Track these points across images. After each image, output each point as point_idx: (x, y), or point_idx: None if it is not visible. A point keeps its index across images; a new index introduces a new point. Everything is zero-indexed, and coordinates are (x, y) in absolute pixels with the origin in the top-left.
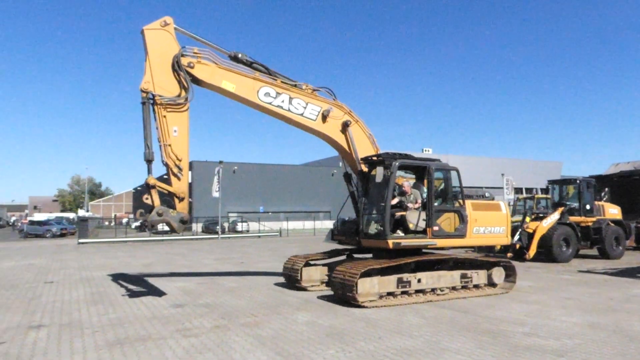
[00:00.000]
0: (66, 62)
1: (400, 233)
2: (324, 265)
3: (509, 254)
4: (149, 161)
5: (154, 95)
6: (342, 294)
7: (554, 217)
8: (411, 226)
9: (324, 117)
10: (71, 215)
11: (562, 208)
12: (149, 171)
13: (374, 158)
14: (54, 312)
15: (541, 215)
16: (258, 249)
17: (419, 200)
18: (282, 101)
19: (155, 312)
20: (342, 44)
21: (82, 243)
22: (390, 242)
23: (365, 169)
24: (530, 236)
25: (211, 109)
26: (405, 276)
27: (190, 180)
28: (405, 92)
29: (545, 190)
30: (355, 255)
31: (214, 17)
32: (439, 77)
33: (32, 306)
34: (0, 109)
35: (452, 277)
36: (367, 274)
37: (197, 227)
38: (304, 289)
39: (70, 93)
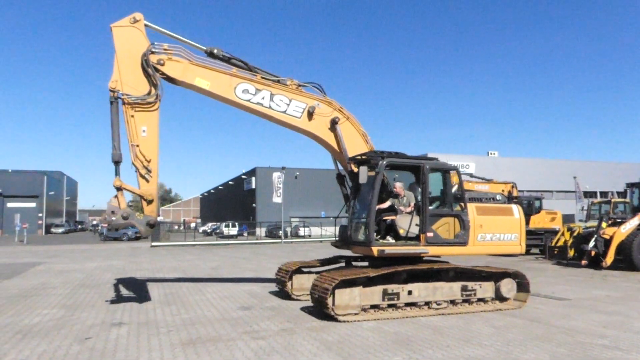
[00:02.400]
0: None
1: (390, 239)
2: (318, 272)
3: (584, 262)
4: (116, 162)
5: (122, 94)
6: (319, 306)
7: (634, 222)
8: (401, 232)
9: (310, 114)
10: None
11: None
12: (116, 173)
13: (360, 157)
14: (132, 311)
15: (619, 220)
16: (320, 253)
17: (413, 204)
18: (263, 98)
19: (225, 314)
20: (409, 41)
21: (155, 246)
22: (375, 250)
23: (355, 169)
24: (607, 242)
25: None
26: (392, 287)
27: (254, 186)
28: (471, 94)
29: (622, 194)
30: (354, 263)
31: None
32: (507, 76)
33: (113, 305)
34: (81, 123)
35: (451, 289)
36: (349, 284)
37: (260, 231)
38: (293, 298)
39: None
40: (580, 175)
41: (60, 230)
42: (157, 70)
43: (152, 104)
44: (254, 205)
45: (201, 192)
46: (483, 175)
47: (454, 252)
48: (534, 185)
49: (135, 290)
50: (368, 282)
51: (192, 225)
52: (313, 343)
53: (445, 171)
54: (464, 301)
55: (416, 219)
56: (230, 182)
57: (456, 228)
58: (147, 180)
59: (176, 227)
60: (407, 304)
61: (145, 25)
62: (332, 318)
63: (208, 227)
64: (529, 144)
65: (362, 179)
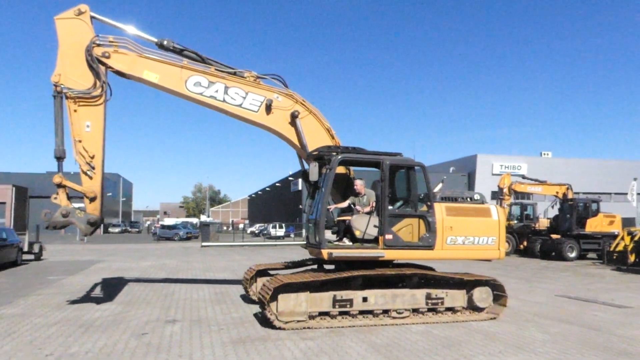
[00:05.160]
0: None
1: (347, 241)
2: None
3: None
4: (58, 158)
5: (65, 88)
6: (263, 312)
7: None
8: (357, 233)
9: (268, 108)
10: (194, 220)
11: None
12: (59, 169)
13: (314, 153)
14: (185, 309)
15: None
16: None
17: (373, 203)
18: (216, 91)
19: None
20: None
21: (205, 246)
22: (325, 253)
23: None
24: None
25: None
26: (342, 294)
27: (300, 188)
28: (523, 92)
29: None
30: (326, 267)
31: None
32: (560, 72)
33: (167, 302)
34: (135, 128)
35: (414, 297)
36: (294, 289)
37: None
38: (255, 302)
39: (192, 114)
40: None
41: (117, 230)
42: (102, 63)
43: (96, 98)
44: (300, 206)
45: (249, 194)
46: (536, 177)
47: (417, 256)
48: (590, 187)
49: (186, 289)
50: (319, 287)
51: (241, 226)
52: (361, 345)
53: (408, 168)
54: (430, 310)
55: (375, 220)
56: (277, 184)
57: (421, 230)
58: (90, 177)
59: (225, 228)
60: (364, 312)
61: (93, 17)
62: (272, 326)
63: (256, 228)
64: (585, 144)
65: (313, 176)
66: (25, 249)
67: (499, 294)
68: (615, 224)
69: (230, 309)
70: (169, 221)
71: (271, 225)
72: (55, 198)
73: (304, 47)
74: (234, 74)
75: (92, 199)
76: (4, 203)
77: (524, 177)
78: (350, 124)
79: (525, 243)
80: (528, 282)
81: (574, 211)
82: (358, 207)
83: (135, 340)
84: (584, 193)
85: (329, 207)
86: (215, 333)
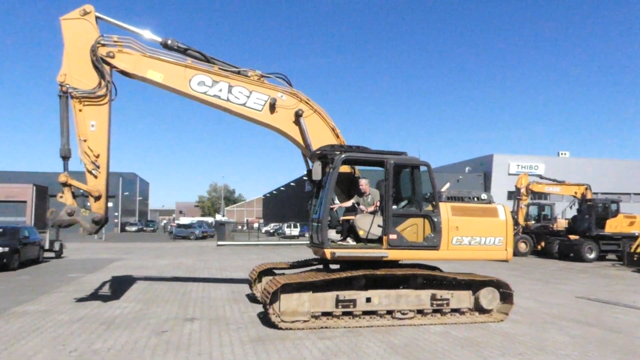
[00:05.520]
0: None
1: (350, 241)
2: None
3: None
4: (64, 158)
5: (70, 88)
6: (266, 312)
7: None
8: (361, 233)
9: (272, 107)
10: (210, 219)
11: None
12: (64, 168)
13: (318, 152)
14: (203, 307)
15: None
16: None
17: (377, 202)
18: (220, 90)
19: None
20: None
21: (220, 245)
22: (328, 252)
23: None
24: None
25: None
26: (345, 294)
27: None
28: (540, 91)
29: None
30: (332, 266)
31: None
32: (578, 71)
33: (185, 301)
34: (152, 129)
35: (418, 297)
36: (297, 288)
37: None
38: (259, 301)
39: (207, 114)
40: None
41: (133, 228)
42: (107, 63)
43: (101, 97)
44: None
45: (264, 193)
46: (554, 177)
47: (422, 256)
48: (609, 188)
49: (203, 287)
50: (322, 287)
51: (255, 225)
52: (380, 345)
53: (413, 167)
54: (436, 311)
55: (379, 219)
56: (291, 184)
57: (426, 230)
58: (95, 176)
59: (240, 227)
60: (367, 313)
61: (98, 17)
62: (273, 326)
63: (270, 227)
64: (603, 144)
65: (316, 175)
66: (46, 246)
67: (505, 296)
68: (635, 224)
69: (248, 307)
70: (184, 220)
71: (286, 224)
72: (61, 197)
73: (312, 45)
74: (238, 73)
75: (97, 198)
76: (24, 202)
77: (541, 177)
78: (358, 124)
79: (542, 244)
80: (547, 283)
81: (593, 212)
82: (362, 207)
83: (156, 337)
84: (602, 193)
85: (332, 206)
86: (234, 332)
